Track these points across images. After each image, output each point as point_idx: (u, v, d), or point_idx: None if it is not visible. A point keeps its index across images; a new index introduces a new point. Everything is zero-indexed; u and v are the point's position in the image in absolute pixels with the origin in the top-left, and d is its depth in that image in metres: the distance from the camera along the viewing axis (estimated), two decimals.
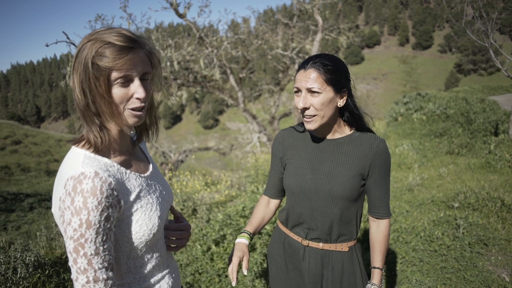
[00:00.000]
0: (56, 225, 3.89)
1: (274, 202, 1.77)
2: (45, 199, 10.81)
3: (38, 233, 3.65)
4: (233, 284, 1.50)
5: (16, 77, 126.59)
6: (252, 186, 5.75)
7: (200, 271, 3.25)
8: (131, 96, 0.99)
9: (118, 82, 0.96)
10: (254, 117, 14.49)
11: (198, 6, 12.14)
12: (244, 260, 1.55)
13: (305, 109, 1.42)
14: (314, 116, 1.42)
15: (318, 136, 1.56)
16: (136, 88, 0.99)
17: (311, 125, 1.44)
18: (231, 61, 15.15)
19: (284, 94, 18.17)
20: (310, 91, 1.39)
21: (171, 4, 11.61)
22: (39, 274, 2.64)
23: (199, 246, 3.52)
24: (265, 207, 1.77)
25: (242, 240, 1.61)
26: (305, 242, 1.57)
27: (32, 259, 2.68)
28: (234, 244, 3.39)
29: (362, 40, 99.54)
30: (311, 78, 1.38)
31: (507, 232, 3.66)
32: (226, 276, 3.15)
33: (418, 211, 4.43)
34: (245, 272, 1.54)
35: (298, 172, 1.55)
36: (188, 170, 12.24)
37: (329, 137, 1.53)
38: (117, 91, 0.97)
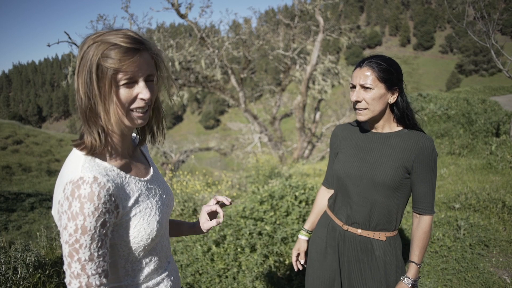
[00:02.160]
0: (56, 226, 3.89)
1: (331, 192, 1.91)
2: (46, 199, 10.82)
3: (38, 233, 3.65)
4: (295, 269, 1.95)
5: (18, 77, 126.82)
6: (253, 187, 5.74)
7: (200, 272, 3.25)
8: (135, 97, 1.00)
9: (123, 84, 0.96)
10: (255, 117, 14.49)
11: (199, 7, 12.15)
12: (301, 253, 1.94)
13: (357, 102, 1.56)
14: (365, 109, 1.56)
15: (368, 130, 1.69)
16: (141, 89, 0.99)
17: (361, 117, 1.58)
18: (233, 61, 15.15)
19: (285, 95, 18.18)
20: (363, 86, 1.53)
21: (173, 5, 11.62)
22: (39, 274, 2.64)
23: (199, 247, 3.52)
24: (321, 199, 1.95)
25: (301, 237, 1.96)
26: (345, 227, 1.69)
27: (33, 259, 2.68)
28: (234, 244, 3.40)
29: (363, 40, 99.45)
30: (365, 75, 1.52)
31: (508, 234, 3.65)
32: (227, 277, 3.15)
33: None
34: (302, 262, 1.95)
35: (347, 160, 1.69)
36: (188, 170, 12.24)
37: (379, 130, 1.65)
38: (122, 92, 0.97)
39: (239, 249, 3.35)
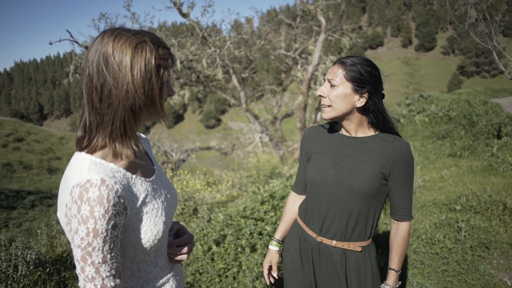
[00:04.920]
0: (57, 223, 3.90)
1: (301, 198, 1.82)
2: (47, 196, 10.84)
3: (39, 231, 3.66)
4: (267, 283, 1.87)
5: (20, 75, 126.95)
6: (253, 187, 5.74)
7: (200, 271, 3.25)
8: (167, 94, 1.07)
9: (167, 81, 1.03)
10: (256, 117, 14.48)
11: (201, 6, 12.14)
12: (273, 265, 1.85)
13: (321, 97, 1.52)
14: (329, 106, 1.50)
15: (343, 134, 1.62)
16: (170, 86, 1.07)
17: (325, 114, 1.53)
18: (234, 61, 15.15)
19: (286, 95, 18.19)
20: (330, 82, 1.48)
21: (175, 4, 11.61)
22: (40, 272, 2.64)
23: (199, 246, 3.52)
24: (292, 206, 1.84)
25: (272, 248, 1.86)
26: (319, 239, 1.61)
27: (33, 257, 2.68)
28: (234, 244, 3.40)
29: (365, 41, 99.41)
30: (335, 72, 1.48)
31: (509, 236, 3.65)
32: (227, 277, 3.15)
33: (420, 213, 4.42)
34: (275, 275, 1.85)
35: (321, 166, 1.61)
36: (189, 170, 12.24)
37: (353, 135, 1.58)
38: (165, 89, 1.04)
39: (239, 249, 3.35)
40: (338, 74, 1.46)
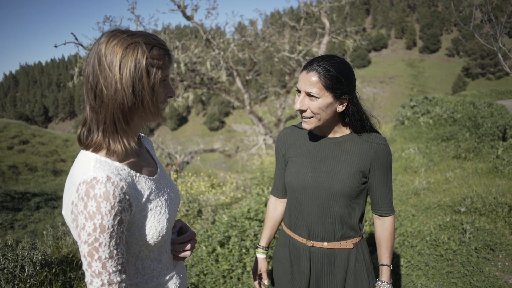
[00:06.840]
0: (62, 225, 3.93)
1: (282, 201, 1.78)
2: (52, 198, 10.89)
3: (45, 232, 3.69)
4: None
5: (25, 78, 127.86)
6: (257, 188, 5.75)
7: (205, 272, 3.26)
8: (165, 95, 1.07)
9: (162, 82, 1.04)
10: (260, 119, 14.49)
11: (205, 8, 12.16)
12: (263, 273, 1.79)
13: (302, 110, 1.45)
14: (311, 117, 1.45)
15: (319, 135, 1.58)
16: (170, 87, 1.08)
17: (307, 125, 1.47)
18: (238, 63, 15.17)
19: (290, 97, 18.18)
20: (309, 94, 1.40)
21: (179, 6, 11.66)
22: (46, 273, 2.67)
23: (204, 247, 3.53)
24: (273, 211, 1.80)
25: (259, 255, 1.81)
26: (310, 243, 1.57)
27: (40, 257, 2.71)
28: (238, 245, 3.41)
29: (369, 43, 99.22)
30: (311, 81, 1.38)
31: None
32: (231, 278, 3.16)
33: (424, 215, 4.41)
34: (266, 283, 1.80)
35: (300, 170, 1.56)
36: (193, 172, 12.27)
37: (330, 135, 1.55)
38: (161, 90, 1.04)
39: (243, 250, 3.36)
40: (315, 85, 1.37)
